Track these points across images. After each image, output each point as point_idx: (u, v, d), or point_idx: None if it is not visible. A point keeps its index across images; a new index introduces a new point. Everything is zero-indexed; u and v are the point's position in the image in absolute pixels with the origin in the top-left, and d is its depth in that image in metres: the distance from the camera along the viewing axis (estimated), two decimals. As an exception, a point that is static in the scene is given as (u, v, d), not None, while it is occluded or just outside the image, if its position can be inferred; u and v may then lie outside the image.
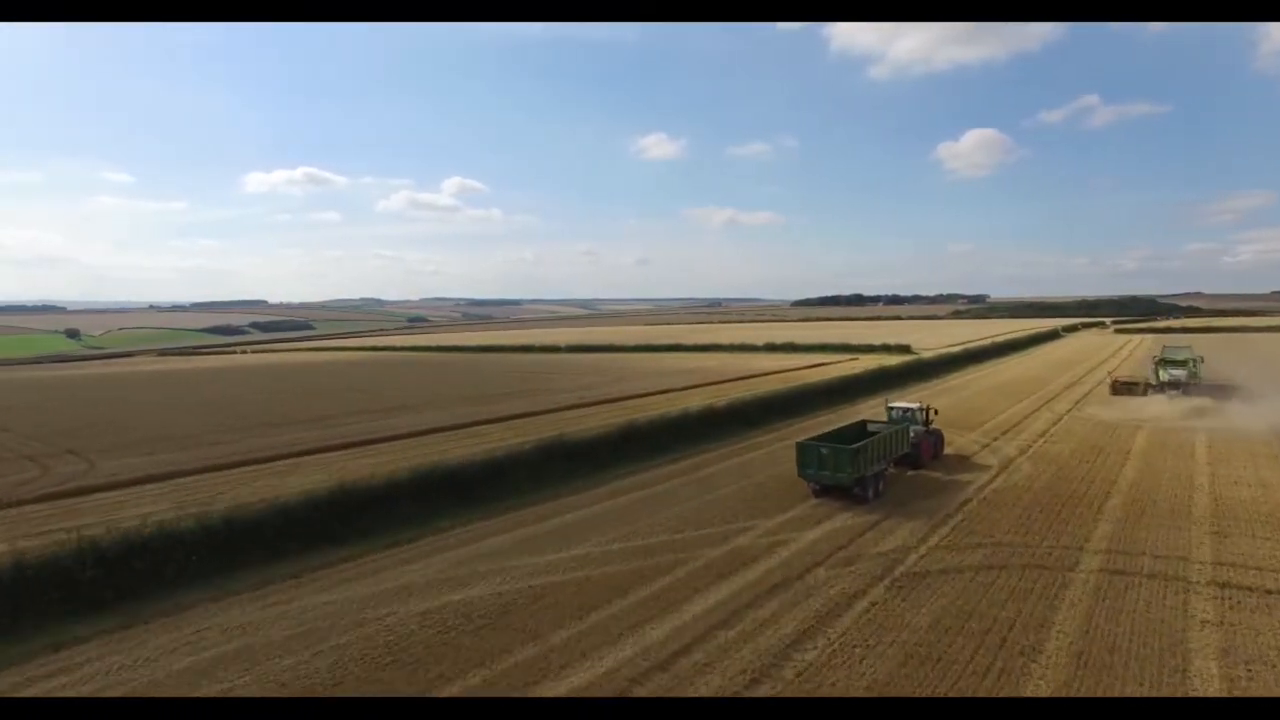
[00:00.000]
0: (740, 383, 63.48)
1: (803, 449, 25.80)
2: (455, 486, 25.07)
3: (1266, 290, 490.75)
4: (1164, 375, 47.83)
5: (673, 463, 31.23)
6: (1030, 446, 33.08)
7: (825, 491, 25.56)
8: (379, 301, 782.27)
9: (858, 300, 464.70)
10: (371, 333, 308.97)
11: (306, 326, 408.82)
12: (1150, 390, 48.34)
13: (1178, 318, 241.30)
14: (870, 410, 44.66)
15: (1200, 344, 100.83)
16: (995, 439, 35.20)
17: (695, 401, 51.07)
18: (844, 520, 22.71)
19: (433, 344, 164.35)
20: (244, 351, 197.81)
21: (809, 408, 45.10)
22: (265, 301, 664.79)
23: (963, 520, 22.16)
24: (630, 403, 51.52)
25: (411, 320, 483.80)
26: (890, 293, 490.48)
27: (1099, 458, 30.33)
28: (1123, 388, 51.26)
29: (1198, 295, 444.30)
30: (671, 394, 56.68)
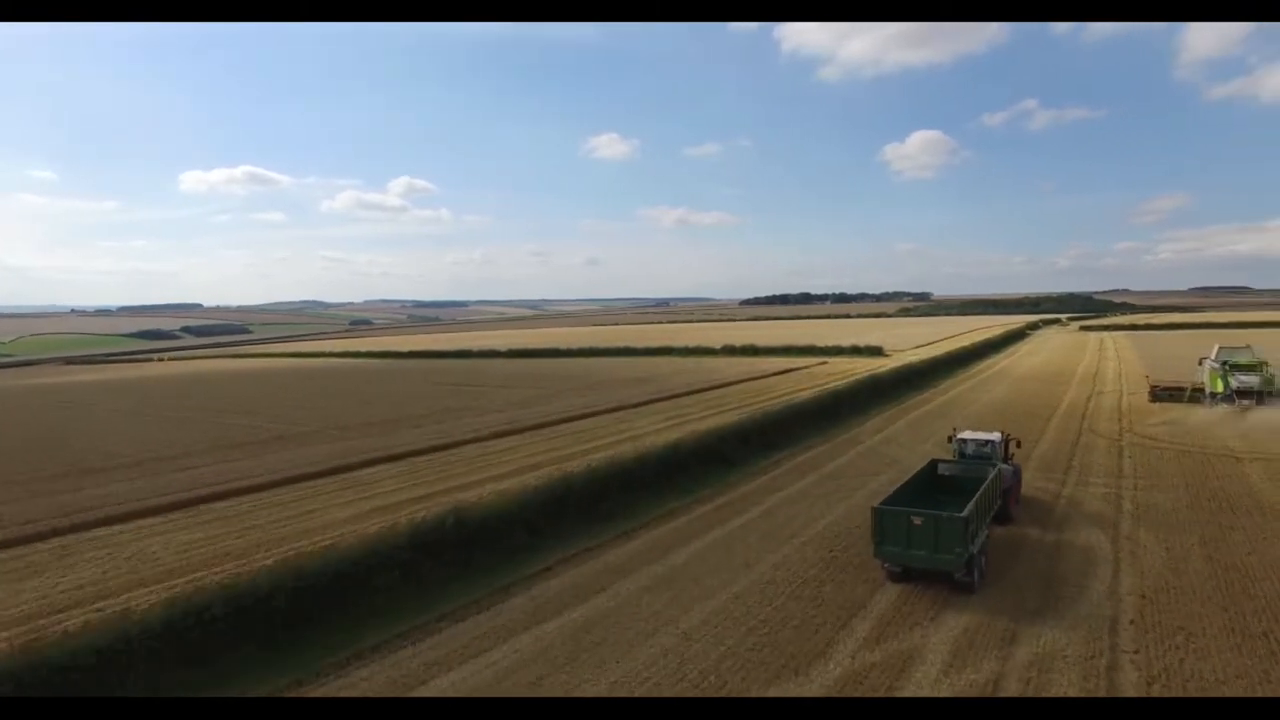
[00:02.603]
0: (703, 395, 53.75)
1: (884, 519, 17.05)
2: (264, 618, 14.49)
3: (1186, 287, 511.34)
4: (1233, 382, 39.73)
5: (626, 540, 21.03)
6: (1121, 495, 23.93)
7: (906, 575, 17.06)
8: (322, 304, 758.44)
9: (805, 299, 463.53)
10: (308, 337, 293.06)
11: (242, 330, 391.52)
12: (1212, 399, 40.29)
13: (1125, 313, 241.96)
14: (878, 438, 35.44)
15: (1181, 341, 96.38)
16: (1063, 479, 26.09)
17: (651, 423, 41.20)
18: (933, 676, 12.90)
19: (366, 349, 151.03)
20: (161, 359, 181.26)
21: (798, 435, 35.37)
22: (200, 305, 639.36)
23: (1149, 679, 12.52)
24: (569, 428, 41.23)
25: (354, 323, 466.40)
26: (838, 291, 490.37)
27: (1239, 517, 21.18)
28: (1164, 394, 43.42)
29: (1126, 292, 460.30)
30: (621, 413, 46.59)
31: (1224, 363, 41.51)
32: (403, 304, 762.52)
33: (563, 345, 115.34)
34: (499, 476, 29.14)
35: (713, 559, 19.12)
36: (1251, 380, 39.70)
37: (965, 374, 64.57)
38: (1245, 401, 38.91)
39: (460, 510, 19.37)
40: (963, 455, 23.05)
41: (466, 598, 16.95)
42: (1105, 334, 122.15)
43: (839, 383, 52.51)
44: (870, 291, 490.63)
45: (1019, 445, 24.84)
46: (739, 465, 29.68)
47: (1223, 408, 39.16)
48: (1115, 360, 73.57)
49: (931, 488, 21.21)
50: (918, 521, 16.59)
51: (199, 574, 18.35)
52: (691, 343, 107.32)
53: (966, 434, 23.79)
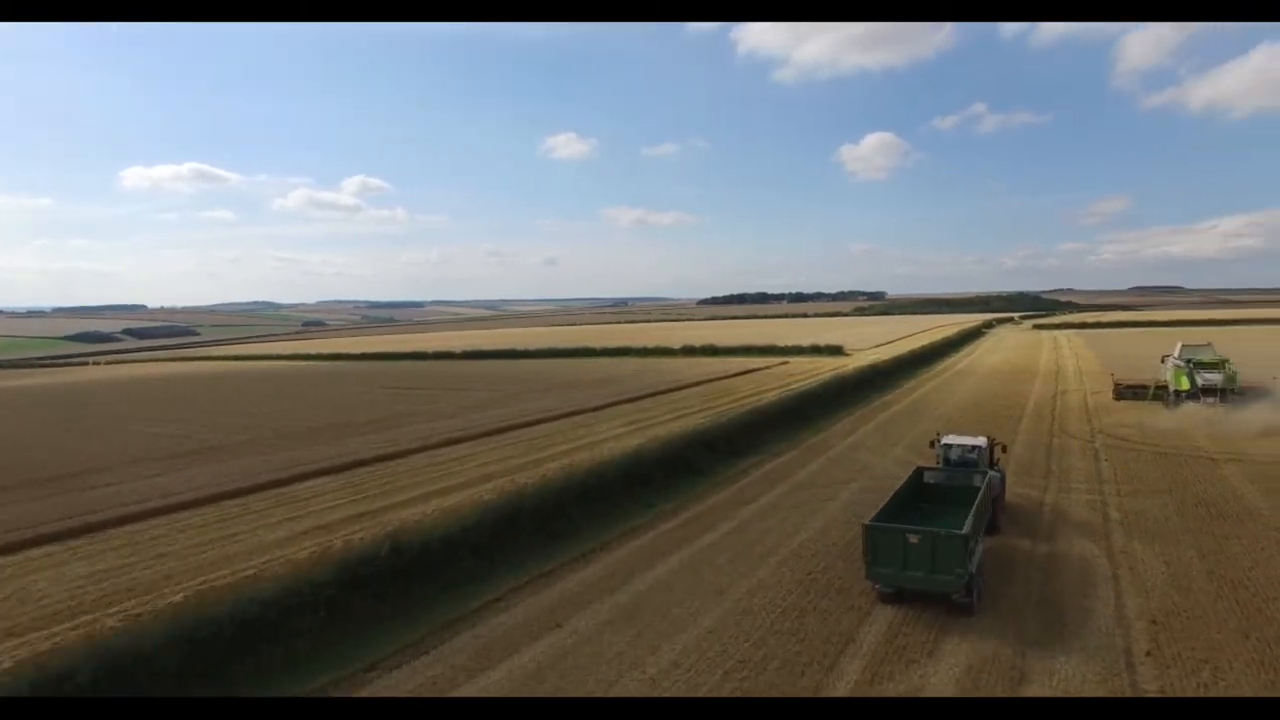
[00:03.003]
0: (664, 397, 52.05)
1: (877, 537, 15.57)
2: (147, 680, 12.10)
3: (1125, 286, 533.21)
4: (1199, 380, 39.36)
5: (584, 563, 19.06)
6: (1106, 503, 22.74)
7: (899, 595, 15.64)
8: (273, 305, 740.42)
9: (762, 298, 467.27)
10: (258, 339, 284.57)
11: (189, 333, 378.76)
12: (1176, 397, 39.91)
13: (1071, 312, 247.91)
14: (847, 442, 34.02)
15: (1131, 339, 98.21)
16: (1044, 485, 24.90)
17: (611, 428, 39.34)
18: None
19: (316, 351, 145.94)
20: (96, 363, 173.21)
21: (765, 441, 33.80)
22: (144, 306, 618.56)
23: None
24: (525, 434, 39.10)
25: (307, 324, 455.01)
26: (794, 290, 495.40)
27: (1231, 525, 20.07)
28: (1128, 392, 43.08)
29: (1070, 291, 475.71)
30: (580, 417, 44.60)
31: (1188, 360, 41.26)
32: (357, 304, 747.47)
33: (519, 346, 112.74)
34: (447, 490, 26.98)
35: (680, 585, 17.28)
36: (1215, 378, 39.43)
37: (928, 373, 63.99)
38: (1210, 399, 38.61)
39: (398, 535, 17.21)
40: (947, 461, 21.72)
41: (402, 640, 14.81)
42: (1058, 332, 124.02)
43: (802, 384, 51.34)
44: (826, 291, 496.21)
45: (1005, 450, 23.68)
46: (705, 474, 27.94)
47: (1188, 406, 38.79)
48: (1072, 358, 73.96)
49: (916, 497, 19.83)
50: (914, 540, 15.08)
51: (89, 616, 15.88)
52: (650, 343, 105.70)
53: (951, 439, 22.41)
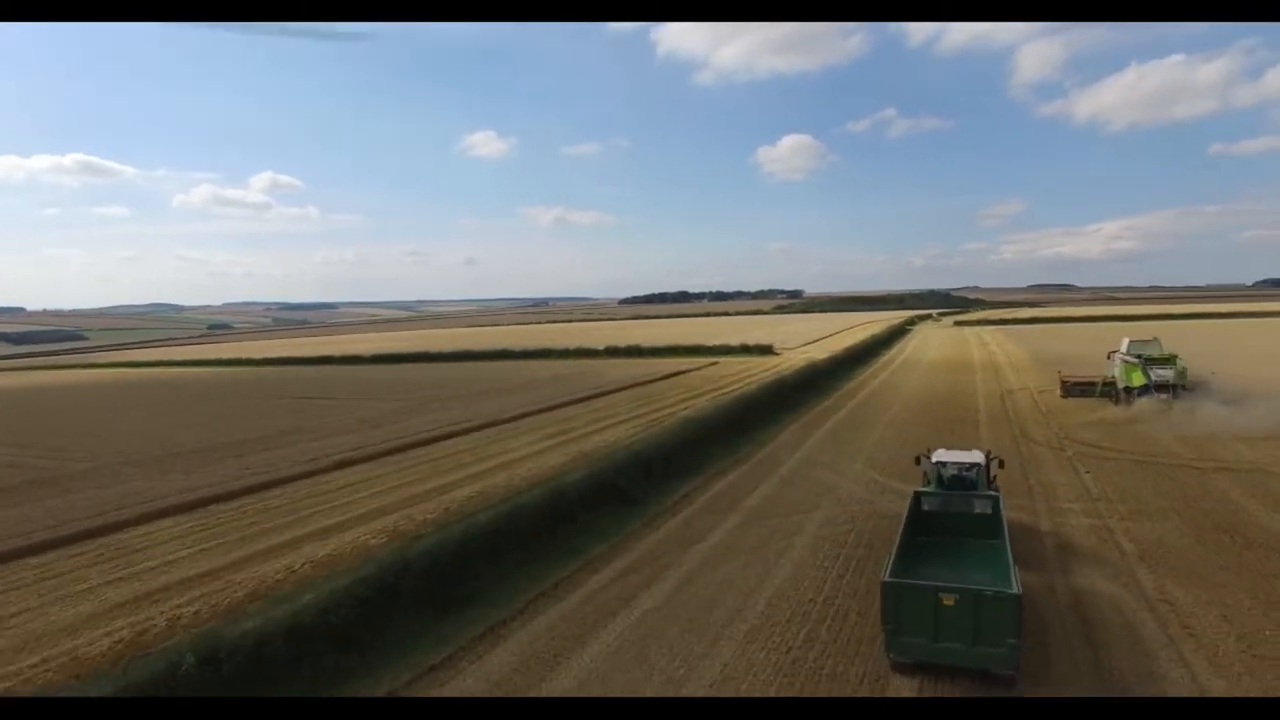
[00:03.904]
0: (588, 404, 47.47)
1: (903, 597, 11.64)
2: None
3: (1024, 284, 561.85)
4: (1152, 376, 37.60)
5: (490, 643, 14.27)
6: (1110, 527, 19.39)
7: (920, 666, 11.77)
8: (175, 307, 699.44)
9: (684, 297, 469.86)
10: (156, 343, 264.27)
11: (77, 337, 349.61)
12: (1127, 395, 38.13)
13: (982, 309, 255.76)
14: (798, 457, 30.20)
15: (1049, 335, 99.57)
16: (1032, 506, 21.41)
17: (530, 442, 34.50)
18: None
19: (216, 357, 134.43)
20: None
21: (706, 457, 29.62)
22: (22, 309, 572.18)
23: None
24: (432, 451, 33.87)
25: (212, 327, 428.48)
26: (714, 289, 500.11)
27: (1266, 557, 16.96)
28: (1076, 390, 41.32)
29: (976, 289, 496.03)
30: (495, 429, 39.54)
31: (1139, 356, 39.68)
32: (267, 306, 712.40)
33: (434, 349, 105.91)
34: (326, 531, 21.82)
35: (621, 678, 12.76)
36: (1167, 374, 37.88)
37: (866, 373, 61.42)
38: (1163, 396, 36.94)
39: (211, 642, 11.97)
40: (939, 482, 18.09)
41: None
42: (980, 328, 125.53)
43: (738, 387, 47.85)
44: (746, 289, 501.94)
45: (1002, 465, 20.34)
46: (641, 503, 23.48)
47: (1142, 403, 37.01)
48: (1002, 354, 73.22)
49: (914, 531, 16.03)
50: (949, 601, 11.16)
51: None
52: (572, 344, 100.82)
53: (943, 455, 18.84)
